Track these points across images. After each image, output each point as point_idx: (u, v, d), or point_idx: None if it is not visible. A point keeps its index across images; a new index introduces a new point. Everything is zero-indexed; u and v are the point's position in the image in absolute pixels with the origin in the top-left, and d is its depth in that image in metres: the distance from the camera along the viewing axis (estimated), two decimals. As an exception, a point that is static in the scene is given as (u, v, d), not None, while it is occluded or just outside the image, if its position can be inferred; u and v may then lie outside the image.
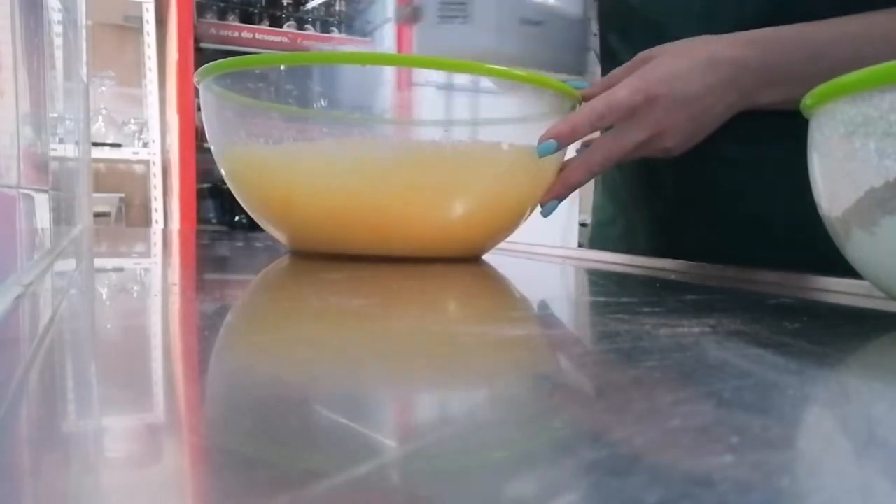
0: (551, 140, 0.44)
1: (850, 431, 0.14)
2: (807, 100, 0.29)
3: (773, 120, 0.46)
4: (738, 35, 0.44)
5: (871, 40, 0.42)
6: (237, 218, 2.09)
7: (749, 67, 0.43)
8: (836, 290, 0.38)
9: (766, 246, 0.51)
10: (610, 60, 0.58)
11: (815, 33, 0.43)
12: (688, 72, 0.43)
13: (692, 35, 0.45)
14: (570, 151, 0.49)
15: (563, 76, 0.54)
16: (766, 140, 0.49)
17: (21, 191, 0.31)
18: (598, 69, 0.66)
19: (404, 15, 0.54)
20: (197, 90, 0.49)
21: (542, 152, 0.44)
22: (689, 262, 0.49)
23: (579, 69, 0.57)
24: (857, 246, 0.27)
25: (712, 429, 0.13)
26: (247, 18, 2.13)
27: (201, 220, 2.02)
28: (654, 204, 0.58)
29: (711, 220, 0.53)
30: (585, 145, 0.49)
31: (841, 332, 0.26)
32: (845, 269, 0.30)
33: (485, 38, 0.52)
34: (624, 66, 0.47)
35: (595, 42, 0.67)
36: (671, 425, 0.13)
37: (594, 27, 0.66)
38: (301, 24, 2.19)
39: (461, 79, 0.49)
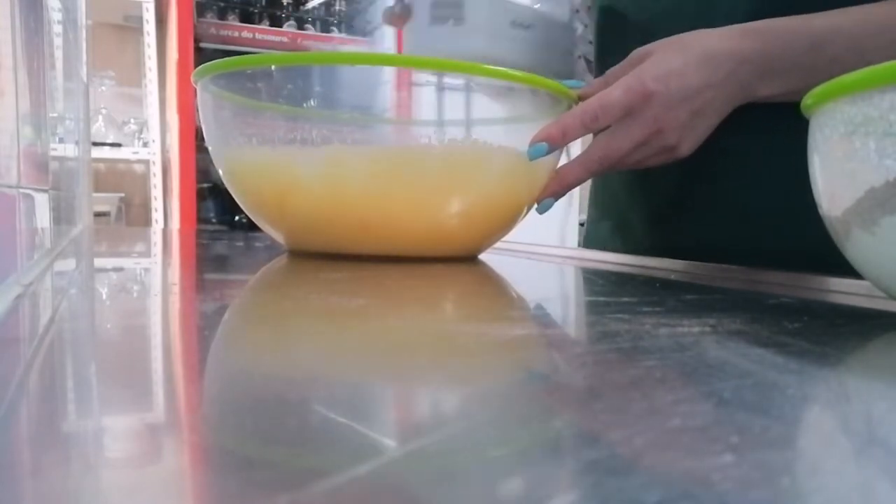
0: (542, 143, 0.44)
1: (850, 431, 0.14)
2: (807, 100, 0.29)
3: (772, 110, 0.46)
4: (734, 27, 0.44)
5: (870, 30, 0.42)
6: (237, 218, 2.09)
7: (746, 58, 0.43)
8: (836, 290, 0.38)
9: (763, 239, 0.50)
10: (603, 62, 0.58)
11: (814, 23, 0.43)
12: (683, 67, 0.43)
13: (685, 32, 0.45)
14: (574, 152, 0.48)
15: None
16: (764, 130, 0.48)
17: (21, 191, 0.31)
18: (585, 73, 0.66)
19: (392, 15, 0.54)
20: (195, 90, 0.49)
21: (532, 155, 0.44)
22: (689, 262, 0.49)
23: (567, 73, 0.57)
24: (857, 246, 0.27)
25: (712, 429, 0.13)
26: (247, 18, 2.13)
27: (201, 220, 2.02)
28: (650, 198, 0.58)
29: (709, 213, 0.53)
30: None
31: (841, 332, 0.26)
32: (844, 268, 0.30)
33: (476, 41, 0.52)
34: (620, 64, 0.47)
35: (583, 47, 0.66)
36: (671, 425, 0.13)
37: (588, 34, 0.65)
38: (301, 24, 2.19)
39: (457, 80, 0.49)
